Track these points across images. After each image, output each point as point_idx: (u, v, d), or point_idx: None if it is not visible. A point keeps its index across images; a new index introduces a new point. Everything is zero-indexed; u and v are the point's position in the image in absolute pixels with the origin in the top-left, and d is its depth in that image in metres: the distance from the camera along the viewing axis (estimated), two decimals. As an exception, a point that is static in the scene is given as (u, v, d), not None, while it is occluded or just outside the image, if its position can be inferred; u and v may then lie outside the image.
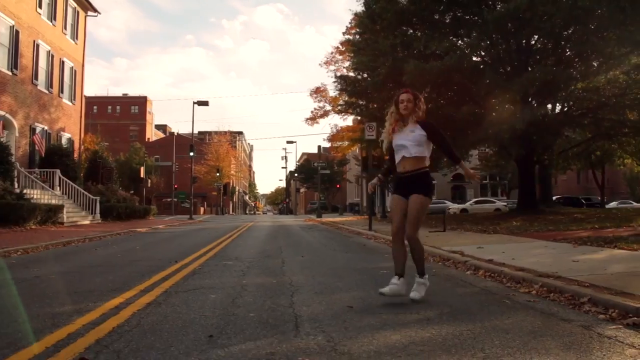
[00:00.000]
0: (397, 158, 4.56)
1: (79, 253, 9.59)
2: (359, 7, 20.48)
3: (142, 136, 78.63)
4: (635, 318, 3.53)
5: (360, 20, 21.08)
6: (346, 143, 44.81)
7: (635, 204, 45.16)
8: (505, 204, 40.77)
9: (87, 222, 22.16)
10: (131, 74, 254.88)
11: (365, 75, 22.23)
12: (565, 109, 18.19)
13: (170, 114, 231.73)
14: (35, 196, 19.48)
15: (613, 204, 43.33)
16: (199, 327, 3.40)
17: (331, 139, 46.26)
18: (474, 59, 17.07)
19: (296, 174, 64.02)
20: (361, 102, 23.34)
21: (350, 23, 40.90)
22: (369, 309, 4.04)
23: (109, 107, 79.77)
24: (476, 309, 4.09)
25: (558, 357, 2.70)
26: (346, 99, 38.35)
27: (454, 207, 39.53)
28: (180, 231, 18.21)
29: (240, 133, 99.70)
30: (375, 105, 20.99)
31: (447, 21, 18.01)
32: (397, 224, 4.51)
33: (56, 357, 2.68)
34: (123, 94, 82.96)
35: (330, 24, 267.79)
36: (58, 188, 22.46)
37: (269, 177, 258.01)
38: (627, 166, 37.46)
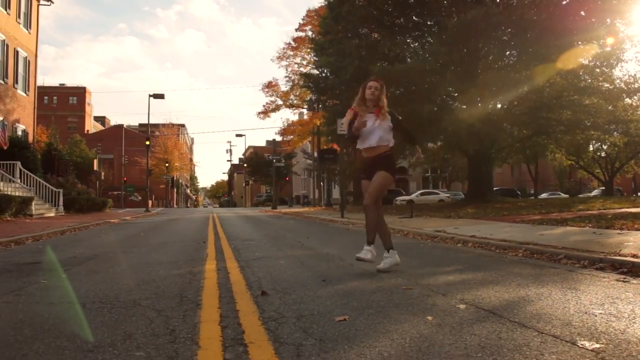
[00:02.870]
0: (365, 143, 4.95)
1: (90, 239, 10.32)
2: (318, 3, 21.71)
3: (80, 128, 76.29)
4: (601, 264, 5.06)
5: (324, 21, 22.32)
6: (297, 137, 46.10)
7: (563, 194, 49.30)
8: (448, 195, 43.50)
9: (52, 214, 22.22)
10: (60, 62, 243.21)
11: (327, 72, 23.59)
12: (510, 109, 20.29)
13: (107, 106, 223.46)
14: (0, 188, 19.48)
15: (544, 195, 47.07)
16: (306, 277, 4.60)
17: (282, 132, 47.40)
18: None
19: (245, 165, 64.51)
20: (322, 98, 24.61)
21: (302, 19, 42.33)
22: (409, 267, 5.36)
23: (45, 97, 76.63)
24: (487, 264, 5.50)
25: (563, 283, 4.12)
26: (301, 94, 39.72)
27: (400, 198, 41.66)
28: (156, 221, 18.85)
29: (183, 126, 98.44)
30: (337, 102, 22.34)
31: (409, 26, 19.66)
32: (366, 197, 4.99)
33: (240, 295, 3.83)
34: (60, 84, 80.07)
35: (267, 16, 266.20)
36: (19, 180, 22.36)
37: (209, 171, 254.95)
38: (557, 160, 40.96)
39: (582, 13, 18.90)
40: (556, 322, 2.77)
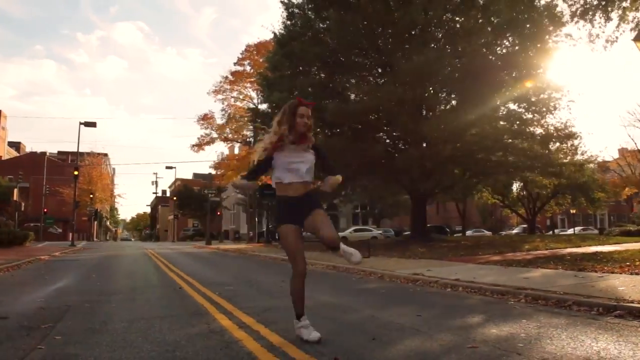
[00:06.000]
0: (284, 179, 3.99)
1: (36, 282, 9.31)
2: (259, 38, 21.83)
3: (-8, 154, 70.78)
4: (617, 311, 5.14)
5: (273, 57, 22.25)
6: (232, 171, 45.28)
7: (486, 232, 51.62)
8: (380, 232, 44.24)
9: (-32, 250, 20.10)
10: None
11: (276, 108, 23.43)
12: (453, 150, 21.07)
13: (21, 131, 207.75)
14: None
15: (469, 232, 48.99)
16: (350, 335, 4.29)
17: (217, 166, 46.38)
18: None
19: (174, 198, 62.41)
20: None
21: (241, 54, 42.29)
22: (435, 317, 5.18)
23: (-47, 120, 70.88)
24: (503, 314, 5.36)
25: (617, 337, 4.07)
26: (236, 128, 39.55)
27: (334, 234, 41.68)
28: (93, 259, 17.53)
29: (105, 155, 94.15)
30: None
31: (360, 65, 20.12)
32: (304, 261, 4.05)
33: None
34: (-30, 107, 74.14)
35: (192, 47, 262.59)
36: None
37: (129, 203, 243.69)
38: (483, 199, 43.04)
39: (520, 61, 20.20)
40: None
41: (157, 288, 7.98)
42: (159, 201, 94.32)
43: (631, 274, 7.91)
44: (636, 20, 9.71)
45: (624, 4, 9.63)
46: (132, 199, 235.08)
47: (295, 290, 4.04)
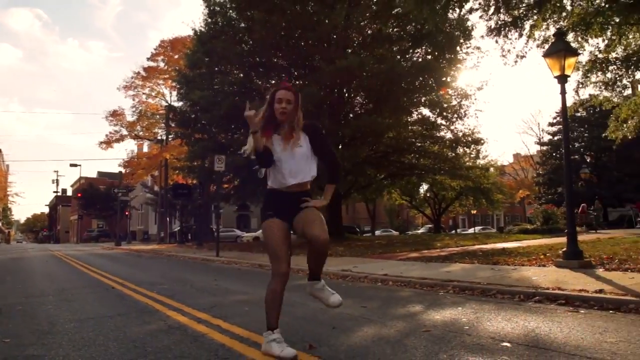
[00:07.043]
0: (280, 175, 3.48)
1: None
2: (174, 33, 21.34)
3: None
4: (537, 297, 5.81)
5: (194, 55, 21.88)
6: (142, 170, 43.66)
7: (394, 232, 53.88)
8: (291, 232, 44.61)
9: None
10: None
11: (191, 106, 23.03)
12: (370, 152, 21.96)
13: None
14: None
15: (378, 232, 50.89)
16: (311, 322, 4.50)
17: (126, 164, 44.42)
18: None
19: (79, 196, 58.99)
20: (186, 132, 23.89)
21: (155, 49, 40.86)
22: (377, 308, 5.54)
23: None
24: (438, 303, 5.86)
25: (544, 317, 4.65)
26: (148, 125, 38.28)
27: (246, 235, 41.45)
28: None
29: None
30: (205, 137, 21.93)
31: (285, 67, 20.33)
32: (287, 262, 3.49)
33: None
34: None
35: (96, 39, 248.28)
36: None
37: (23, 202, 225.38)
38: (392, 199, 44.82)
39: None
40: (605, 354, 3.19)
41: (88, 289, 7.69)
42: (60, 201, 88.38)
43: (539, 266, 8.83)
44: (542, 38, 10.87)
45: (531, 22, 10.75)
46: (28, 199, 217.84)
47: (272, 294, 3.44)
